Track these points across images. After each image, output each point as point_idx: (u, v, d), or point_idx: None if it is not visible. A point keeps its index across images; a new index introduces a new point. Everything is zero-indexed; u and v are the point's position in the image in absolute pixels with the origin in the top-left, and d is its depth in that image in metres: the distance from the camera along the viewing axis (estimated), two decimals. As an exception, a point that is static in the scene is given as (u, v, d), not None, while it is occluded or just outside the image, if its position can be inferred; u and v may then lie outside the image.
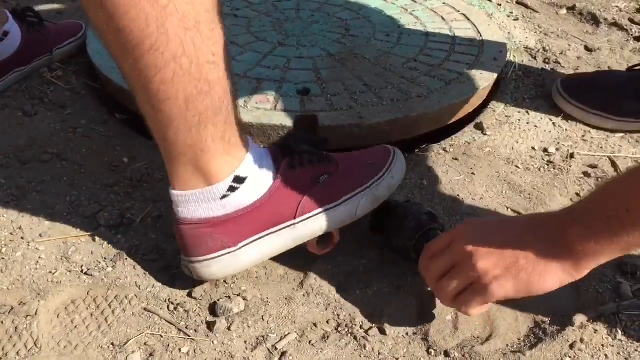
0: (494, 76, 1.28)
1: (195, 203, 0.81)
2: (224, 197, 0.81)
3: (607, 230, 0.66)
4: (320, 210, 0.86)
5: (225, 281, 0.89)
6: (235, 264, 0.84)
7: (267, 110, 1.12)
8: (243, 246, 0.84)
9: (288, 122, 1.09)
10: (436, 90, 1.21)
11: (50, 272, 0.89)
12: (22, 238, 0.94)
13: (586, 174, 1.13)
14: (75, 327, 0.82)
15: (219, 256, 0.83)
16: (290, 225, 0.85)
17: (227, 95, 0.77)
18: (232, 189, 0.81)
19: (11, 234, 0.95)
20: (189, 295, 0.87)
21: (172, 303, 0.86)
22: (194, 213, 0.82)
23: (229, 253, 0.83)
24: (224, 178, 0.80)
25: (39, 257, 0.91)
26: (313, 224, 0.86)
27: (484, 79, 1.26)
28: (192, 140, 0.76)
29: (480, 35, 1.43)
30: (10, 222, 0.97)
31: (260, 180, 0.83)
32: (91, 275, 0.89)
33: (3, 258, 0.91)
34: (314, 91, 1.19)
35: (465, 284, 0.75)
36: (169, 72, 0.70)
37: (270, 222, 0.84)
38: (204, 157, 0.78)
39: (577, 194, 1.08)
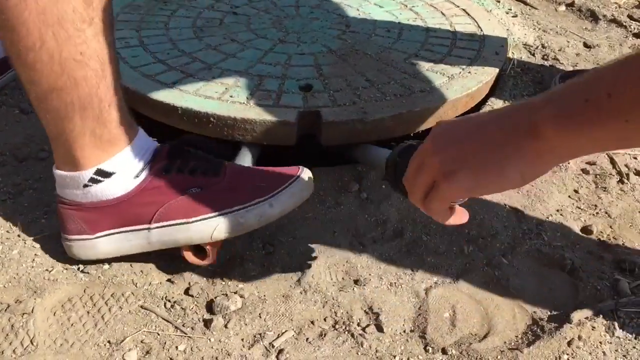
0: (496, 70, 1.28)
1: (64, 184, 0.85)
2: (85, 186, 0.83)
3: (580, 116, 0.56)
4: (175, 222, 0.85)
5: (222, 279, 0.89)
6: (91, 250, 0.87)
7: (269, 106, 1.11)
8: (100, 236, 0.86)
9: (291, 117, 1.08)
10: (439, 85, 1.21)
11: (47, 269, 0.89)
12: (19, 236, 0.94)
13: (584, 171, 1.12)
14: (72, 325, 0.82)
15: (77, 239, 0.87)
16: (145, 229, 0.85)
17: (99, 94, 0.78)
18: (94, 181, 0.83)
19: (7, 231, 0.95)
20: (186, 293, 0.87)
21: (169, 301, 0.86)
22: (63, 193, 0.86)
23: (86, 239, 0.87)
24: (87, 169, 0.82)
25: (35, 255, 0.91)
26: (166, 234, 0.85)
27: (487, 73, 1.26)
28: (61, 128, 0.80)
29: (481, 30, 1.42)
30: (7, 220, 0.97)
31: (128, 178, 0.84)
32: (88, 272, 0.89)
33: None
34: (316, 87, 1.19)
35: (428, 181, 0.67)
36: (30, 59, 0.73)
37: (128, 220, 0.85)
38: (72, 145, 0.81)
39: (576, 191, 1.08)
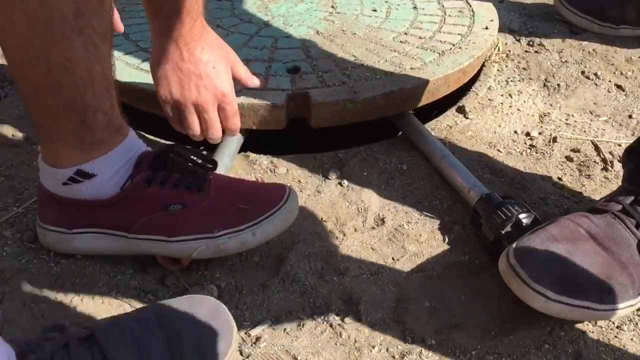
0: (487, 44, 1.26)
1: (46, 175, 0.84)
2: (65, 184, 0.81)
3: None
4: (155, 237, 0.83)
5: (197, 268, 0.87)
6: (65, 245, 0.86)
7: (257, 90, 1.09)
8: (76, 233, 0.85)
9: (280, 100, 1.06)
10: (430, 62, 1.19)
11: (17, 259, 0.86)
12: (-11, 224, 0.91)
13: (568, 158, 1.11)
14: (42, 316, 0.79)
15: (53, 231, 0.86)
16: (123, 236, 0.84)
17: (85, 100, 0.76)
18: (73, 180, 0.81)
19: (-23, 220, 0.92)
20: (161, 282, 0.85)
21: (143, 291, 0.84)
22: (45, 182, 0.84)
23: (61, 233, 0.85)
24: (67, 167, 0.81)
25: (6, 243, 0.88)
26: (144, 246, 0.84)
27: (478, 48, 1.24)
28: (45, 125, 0.79)
29: (470, 6, 1.41)
30: (-23, 207, 0.94)
31: (109, 183, 0.82)
32: (59, 262, 0.86)
33: (-32, 245, 0.88)
34: (304, 69, 1.16)
35: None
36: (17, 56, 0.73)
37: (106, 224, 0.84)
38: (55, 143, 0.80)
39: (559, 178, 1.07)
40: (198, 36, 0.91)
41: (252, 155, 1.08)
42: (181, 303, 0.74)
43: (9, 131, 1.10)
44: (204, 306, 0.73)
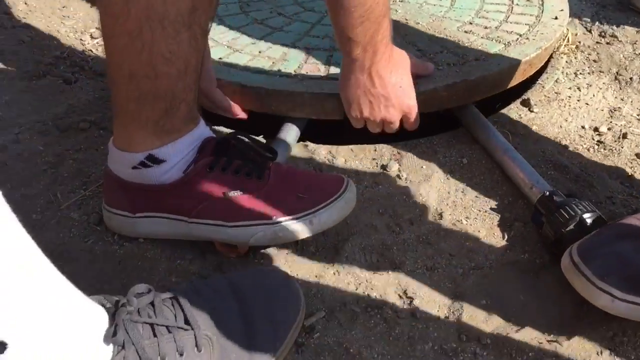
0: (556, 35, 1.22)
1: (115, 159, 0.86)
2: (134, 167, 0.84)
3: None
4: (214, 222, 0.84)
5: (255, 257, 0.88)
6: (130, 228, 0.89)
7: (318, 80, 1.09)
8: (140, 217, 0.87)
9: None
10: (495, 53, 1.16)
11: (84, 240, 0.90)
12: (58, 206, 0.95)
13: (639, 156, 1.06)
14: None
15: (118, 214, 0.88)
16: (184, 221, 0.85)
17: (175, 91, 0.79)
18: (143, 164, 0.83)
19: (47, 202, 0.96)
20: (219, 269, 0.87)
21: (201, 276, 0.85)
22: (114, 167, 0.87)
23: (126, 216, 0.88)
24: (139, 152, 0.83)
25: (73, 225, 0.92)
26: (204, 231, 0.85)
27: (546, 39, 1.20)
28: (127, 109, 0.81)
29: (539, -6, 1.37)
30: (47, 189, 0.98)
31: (175, 168, 0.84)
32: (123, 245, 0.89)
33: (36, 226, 0.92)
34: (365, 58, 1.16)
35: None
36: (121, 43, 0.75)
37: (169, 209, 0.86)
38: (133, 127, 0.83)
39: (629, 177, 1.02)
40: (387, 62, 0.95)
41: (311, 145, 1.08)
42: (253, 274, 0.78)
43: (79, 116, 1.14)
44: (274, 277, 0.77)
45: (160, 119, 0.81)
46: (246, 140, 0.87)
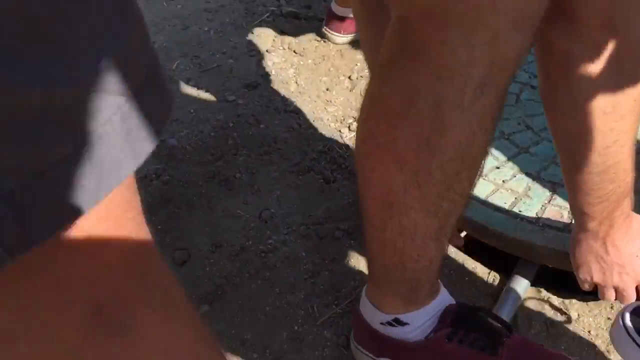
0: None
1: (366, 308, 0.98)
2: (382, 323, 0.95)
3: None
4: None
5: None
6: None
7: (559, 231, 1.08)
8: None
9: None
10: None
11: (335, 357, 1.06)
12: (313, 319, 1.12)
13: None
14: None
15: (364, 353, 1.00)
16: None
17: (421, 279, 0.91)
18: (389, 324, 0.94)
19: (307, 314, 1.13)
20: None
21: None
22: (364, 313, 0.98)
23: (371, 357, 0.99)
24: (387, 313, 0.94)
25: (326, 345, 1.08)
26: None
27: None
28: (380, 277, 0.93)
29: None
30: (307, 300, 1.14)
31: (417, 330, 0.94)
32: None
33: (297, 339, 1.09)
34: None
35: None
36: (376, 247, 0.89)
37: None
38: (384, 292, 0.94)
39: None
40: (624, 233, 0.93)
41: (544, 292, 1.11)
42: None
43: (334, 222, 1.29)
44: None
45: (407, 294, 0.93)
46: (483, 313, 0.95)
